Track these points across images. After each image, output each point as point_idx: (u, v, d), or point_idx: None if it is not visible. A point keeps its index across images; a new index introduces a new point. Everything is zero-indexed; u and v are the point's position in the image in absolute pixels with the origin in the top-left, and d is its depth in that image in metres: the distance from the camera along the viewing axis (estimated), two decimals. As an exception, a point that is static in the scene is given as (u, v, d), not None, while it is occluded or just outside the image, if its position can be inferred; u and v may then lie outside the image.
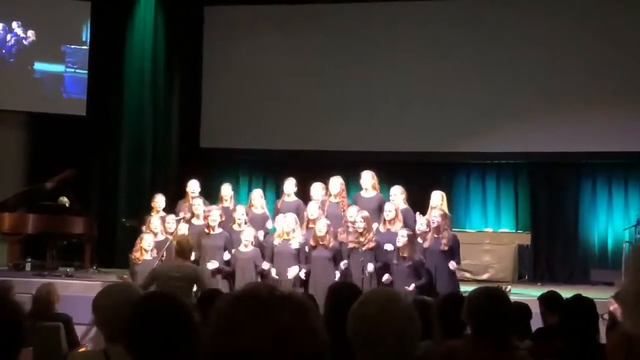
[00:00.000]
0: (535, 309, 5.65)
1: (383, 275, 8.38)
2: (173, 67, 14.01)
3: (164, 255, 8.69)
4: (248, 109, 13.58)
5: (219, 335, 1.27)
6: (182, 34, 13.99)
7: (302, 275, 8.63)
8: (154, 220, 9.28)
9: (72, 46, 13.00)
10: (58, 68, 12.84)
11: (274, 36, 13.74)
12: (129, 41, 13.77)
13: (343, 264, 8.49)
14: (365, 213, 8.64)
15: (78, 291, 9.35)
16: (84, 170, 12.80)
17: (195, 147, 13.90)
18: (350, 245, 8.52)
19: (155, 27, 13.87)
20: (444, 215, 8.64)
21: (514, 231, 12.77)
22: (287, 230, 8.69)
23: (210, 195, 10.38)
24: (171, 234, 9.04)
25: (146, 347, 2.45)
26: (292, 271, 8.58)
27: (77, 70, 12.93)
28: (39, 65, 12.76)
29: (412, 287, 8.02)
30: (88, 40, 13.18)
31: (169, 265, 7.77)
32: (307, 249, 8.70)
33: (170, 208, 9.93)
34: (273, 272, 8.67)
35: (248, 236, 8.76)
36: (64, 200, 11.85)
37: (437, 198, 9.10)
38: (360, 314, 2.44)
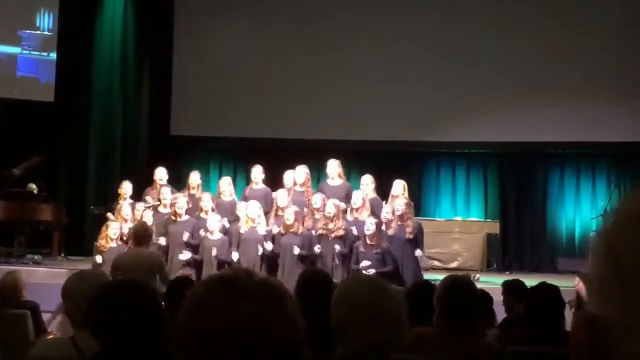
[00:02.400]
0: (500, 296, 5.71)
1: (345, 260, 8.44)
2: (143, 54, 13.88)
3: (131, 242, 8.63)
4: (219, 96, 13.52)
5: (191, 316, 1.27)
6: (152, 20, 13.87)
7: (269, 248, 8.61)
8: (125, 208, 9.22)
9: (28, 31, 13.09)
10: (14, 50, 13.04)
11: (245, 24, 13.68)
12: (98, 27, 13.63)
13: (317, 248, 8.50)
14: (337, 201, 8.70)
15: (46, 279, 9.29)
16: (52, 157, 12.68)
17: (165, 134, 13.81)
18: (320, 231, 8.56)
19: (125, 13, 13.74)
20: (408, 204, 8.77)
21: (483, 220, 12.85)
22: (252, 217, 8.70)
23: (181, 183, 10.35)
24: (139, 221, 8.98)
25: (111, 333, 2.45)
26: (267, 245, 8.59)
27: (31, 52, 13.12)
28: None
29: (365, 263, 8.07)
30: (56, 26, 13.16)
31: (129, 254, 7.61)
32: (275, 235, 8.72)
33: (139, 195, 9.89)
34: (235, 256, 8.65)
35: (213, 223, 8.75)
36: (32, 187, 11.73)
37: (399, 187, 9.20)
38: (347, 298, 2.43)
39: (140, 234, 7.36)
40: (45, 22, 13.16)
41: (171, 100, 13.86)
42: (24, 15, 13.05)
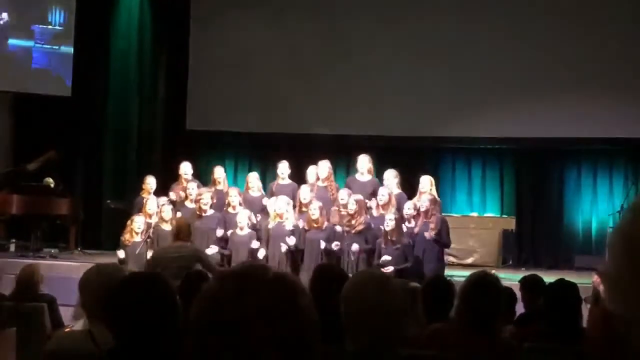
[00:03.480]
0: (518, 293, 5.69)
1: (370, 257, 8.42)
2: (159, 48, 13.92)
3: (150, 237, 8.68)
4: (235, 91, 13.51)
5: (205, 310, 1.28)
6: (168, 14, 13.90)
7: (292, 243, 8.61)
8: (151, 203, 9.25)
9: (40, 25, 13.22)
10: (28, 44, 13.24)
11: (262, 17, 13.63)
12: (114, 21, 13.68)
13: (335, 245, 8.48)
14: (359, 196, 8.66)
15: (62, 272, 9.33)
16: (69, 151, 12.74)
17: (181, 129, 13.83)
18: (343, 227, 8.54)
19: (142, 7, 13.78)
20: (433, 200, 8.68)
21: (499, 216, 12.81)
22: (280, 212, 8.71)
23: (197, 177, 10.36)
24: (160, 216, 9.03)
25: (128, 327, 2.46)
26: (290, 241, 8.57)
27: (44, 45, 13.30)
28: (12, 41, 13.16)
29: (390, 269, 8.04)
30: (67, 21, 13.28)
31: (167, 248, 7.74)
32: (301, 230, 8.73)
33: (161, 190, 9.92)
34: (261, 253, 8.67)
35: (243, 219, 8.78)
36: (49, 181, 11.79)
37: (427, 183, 9.12)
38: (354, 294, 2.45)
39: (182, 230, 7.53)
40: (57, 17, 13.32)
41: (187, 94, 13.88)
42: (37, 10, 13.24)
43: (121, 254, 8.58)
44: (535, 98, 12.55)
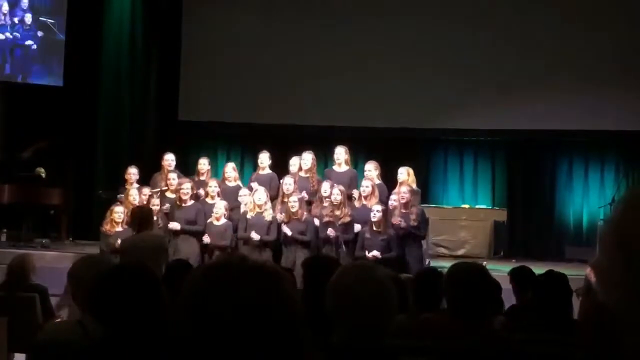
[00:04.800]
0: (508, 284, 5.70)
1: (351, 247, 8.47)
2: (152, 38, 13.86)
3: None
4: (227, 82, 13.49)
5: (190, 303, 1.28)
6: (161, 4, 13.84)
7: (256, 236, 8.64)
8: (133, 192, 9.24)
9: (31, 14, 13.16)
10: (18, 32, 13.18)
11: (254, 9, 13.62)
12: (107, 10, 13.61)
13: (330, 231, 8.48)
14: (342, 187, 8.69)
15: (54, 262, 9.32)
16: (60, 141, 12.69)
17: (173, 119, 13.81)
18: (326, 219, 8.55)
19: (134, -3, 13.75)
20: (412, 191, 8.72)
21: (490, 207, 12.84)
22: (259, 203, 8.72)
23: (188, 168, 10.35)
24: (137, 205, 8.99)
25: (113, 318, 2.46)
26: (255, 235, 8.62)
27: (35, 34, 13.18)
28: (1, 30, 13.13)
29: (375, 253, 8.08)
30: (64, 9, 13.20)
31: (135, 237, 7.57)
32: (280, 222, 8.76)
33: (147, 180, 9.91)
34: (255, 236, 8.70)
35: (219, 209, 8.79)
36: (41, 170, 11.75)
37: (404, 173, 9.15)
38: (338, 285, 2.46)
39: (139, 217, 7.21)
40: (48, 5, 13.25)
41: (179, 85, 13.84)
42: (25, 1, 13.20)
43: (114, 239, 8.52)
44: (526, 90, 12.59)
